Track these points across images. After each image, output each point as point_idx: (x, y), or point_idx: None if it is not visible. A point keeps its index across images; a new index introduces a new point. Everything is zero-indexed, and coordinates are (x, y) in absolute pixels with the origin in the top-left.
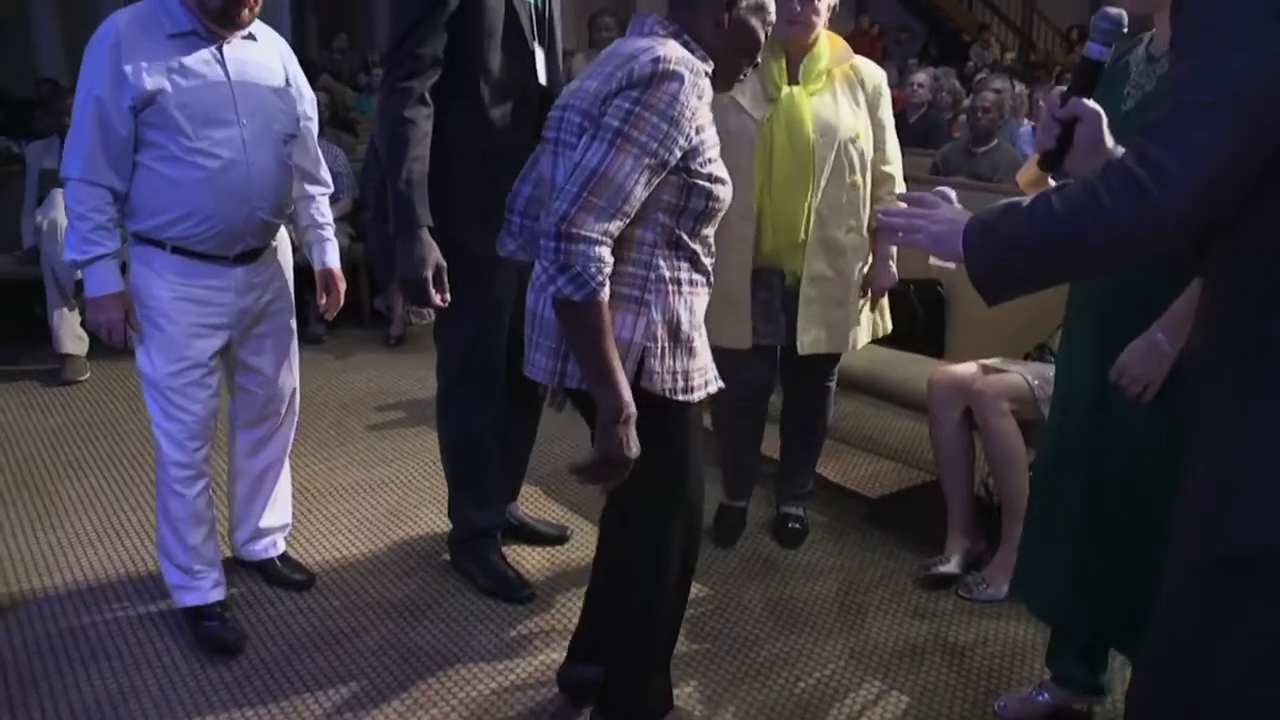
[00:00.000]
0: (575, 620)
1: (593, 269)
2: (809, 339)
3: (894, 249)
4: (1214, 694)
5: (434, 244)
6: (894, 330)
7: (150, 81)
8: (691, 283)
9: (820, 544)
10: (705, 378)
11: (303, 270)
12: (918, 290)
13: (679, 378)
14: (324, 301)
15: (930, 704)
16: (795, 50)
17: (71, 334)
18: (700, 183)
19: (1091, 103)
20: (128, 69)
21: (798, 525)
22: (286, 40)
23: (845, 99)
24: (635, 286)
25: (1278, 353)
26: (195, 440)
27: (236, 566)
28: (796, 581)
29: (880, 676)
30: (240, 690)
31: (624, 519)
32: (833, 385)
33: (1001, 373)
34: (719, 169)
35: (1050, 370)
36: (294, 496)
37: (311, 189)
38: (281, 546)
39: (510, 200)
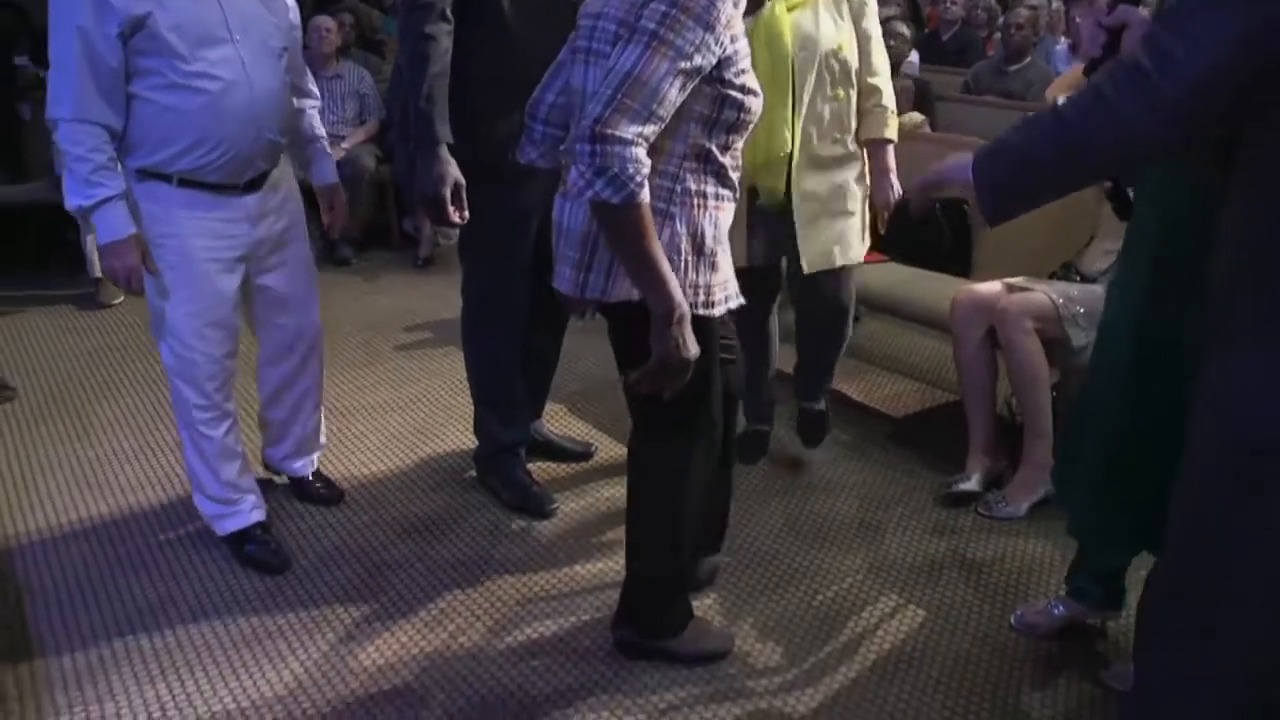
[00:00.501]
0: (597, 534)
1: (630, 170)
2: (810, 258)
3: (892, 164)
4: (1228, 598)
5: (453, 161)
6: (920, 250)
7: (137, 5)
8: (718, 196)
9: (842, 462)
10: (726, 293)
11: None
12: (944, 209)
13: (700, 291)
14: (326, 219)
15: (947, 618)
16: None
17: None
18: (733, 94)
19: (1139, 10)
20: None
21: (820, 409)
22: None
23: (827, 11)
24: (661, 199)
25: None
26: (214, 380)
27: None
28: (817, 498)
29: (898, 590)
30: (272, 599)
31: (647, 436)
32: (850, 304)
33: (1026, 291)
34: (751, 80)
35: (1075, 289)
36: (324, 415)
37: (301, 102)
38: (315, 464)
39: (532, 107)
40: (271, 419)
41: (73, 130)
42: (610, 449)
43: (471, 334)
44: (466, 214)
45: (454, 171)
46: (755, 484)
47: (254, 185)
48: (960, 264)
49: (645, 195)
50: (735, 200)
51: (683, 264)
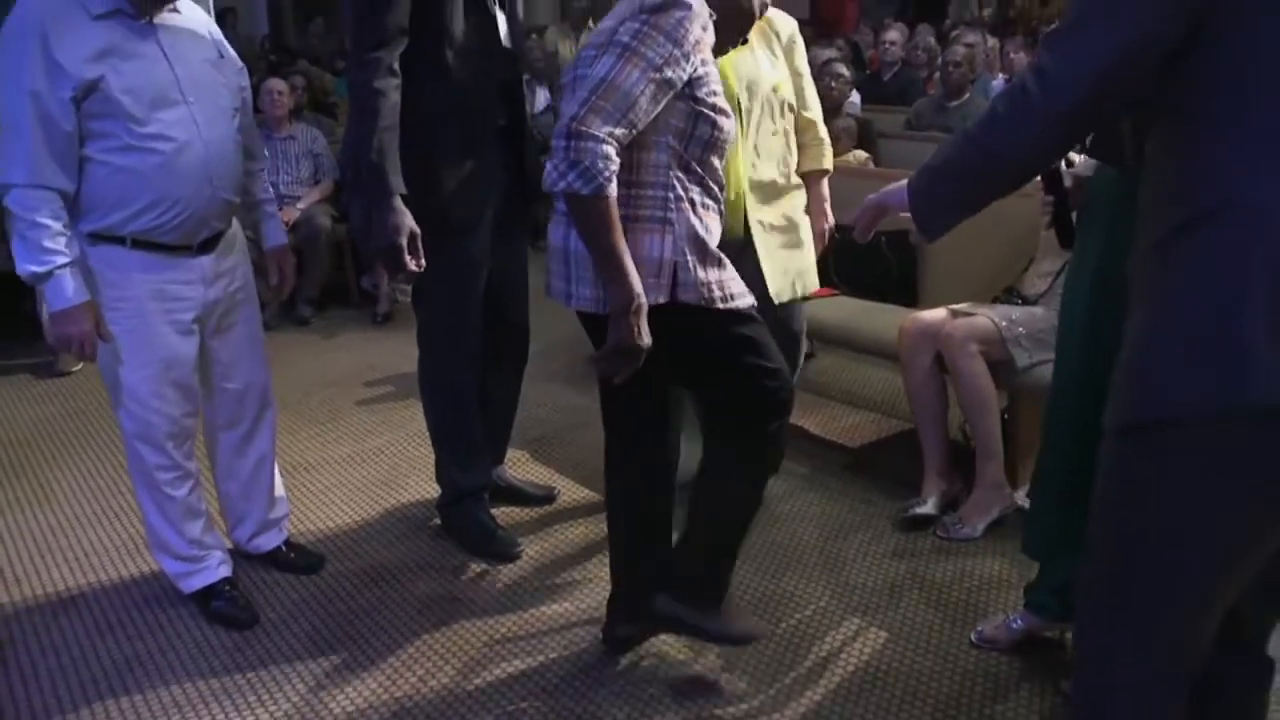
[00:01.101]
0: (562, 575)
1: (600, 164)
2: (777, 288)
3: (827, 193)
4: (1132, 565)
5: (406, 211)
6: (868, 282)
7: (89, 69)
8: (705, 205)
9: (801, 493)
10: (743, 288)
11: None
12: (890, 241)
13: (713, 287)
14: (275, 281)
15: (909, 638)
16: None
17: None
18: (706, 111)
19: None
20: (61, 58)
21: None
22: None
23: (763, 51)
24: (658, 207)
25: (1160, 255)
26: (174, 440)
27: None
28: (778, 529)
29: (860, 614)
30: (240, 653)
31: (718, 421)
32: (803, 331)
33: (969, 316)
34: (722, 101)
35: (1016, 311)
36: (287, 470)
37: (250, 164)
38: (285, 532)
39: None
40: (226, 491)
41: (26, 196)
42: (572, 492)
43: (429, 381)
44: (423, 262)
45: (409, 221)
46: None
47: (208, 246)
48: (907, 294)
49: (613, 189)
50: (721, 214)
51: (689, 263)
